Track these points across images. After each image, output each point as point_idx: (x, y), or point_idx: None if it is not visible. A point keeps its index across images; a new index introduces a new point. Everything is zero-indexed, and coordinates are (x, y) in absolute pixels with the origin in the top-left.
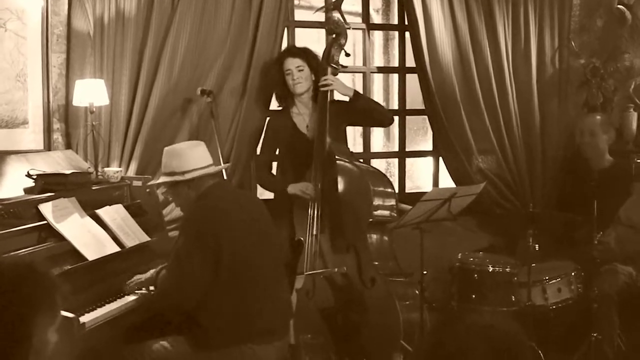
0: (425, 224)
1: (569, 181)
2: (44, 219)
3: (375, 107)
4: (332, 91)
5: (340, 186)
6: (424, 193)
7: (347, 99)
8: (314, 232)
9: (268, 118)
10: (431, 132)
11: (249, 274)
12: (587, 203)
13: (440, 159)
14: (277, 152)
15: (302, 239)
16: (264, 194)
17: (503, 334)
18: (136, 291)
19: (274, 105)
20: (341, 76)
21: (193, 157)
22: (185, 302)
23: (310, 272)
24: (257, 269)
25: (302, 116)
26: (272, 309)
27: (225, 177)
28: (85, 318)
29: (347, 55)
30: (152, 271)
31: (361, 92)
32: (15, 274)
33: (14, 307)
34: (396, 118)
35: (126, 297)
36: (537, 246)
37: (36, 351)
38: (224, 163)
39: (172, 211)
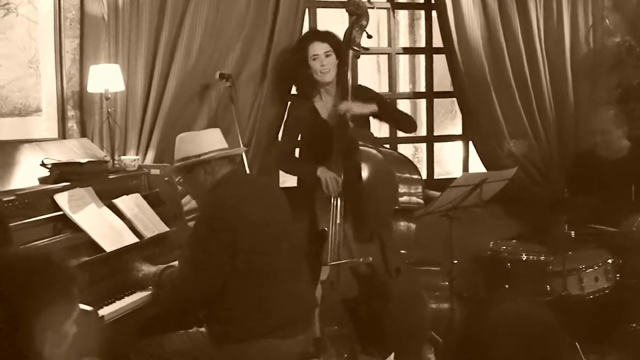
0: (454, 211)
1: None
2: (59, 209)
3: (399, 117)
4: (353, 77)
5: (364, 173)
6: (453, 179)
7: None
8: (338, 221)
9: (289, 103)
10: (460, 115)
11: (267, 266)
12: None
13: (470, 143)
14: (298, 139)
15: (325, 228)
16: (285, 182)
17: (537, 324)
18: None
19: (295, 89)
20: (364, 58)
21: (208, 140)
22: (199, 296)
23: (334, 263)
24: (275, 261)
25: (325, 102)
26: (292, 302)
27: (246, 165)
28: (103, 311)
29: (369, 37)
30: (154, 269)
31: (386, 74)
32: (32, 265)
33: (31, 299)
34: (423, 101)
35: (145, 290)
36: (572, 233)
37: (54, 344)
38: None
39: (191, 201)
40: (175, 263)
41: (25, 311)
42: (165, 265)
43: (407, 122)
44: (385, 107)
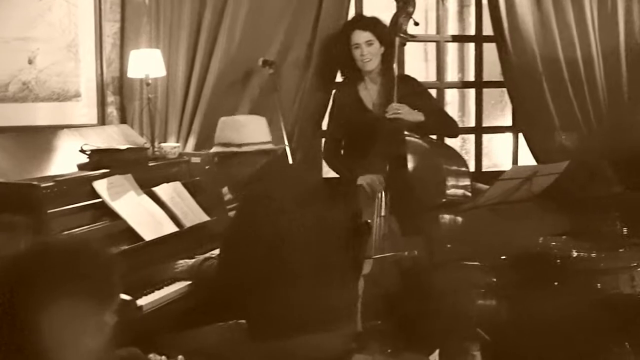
0: (502, 205)
1: None
2: (98, 196)
3: (444, 125)
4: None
5: (410, 164)
6: (502, 172)
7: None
8: (382, 214)
9: (334, 91)
10: (510, 106)
11: (307, 262)
12: None
13: (520, 135)
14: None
15: (369, 221)
16: (329, 171)
17: (585, 323)
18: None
19: (340, 77)
20: (411, 46)
21: (252, 130)
22: (236, 291)
23: (377, 256)
24: (315, 256)
25: (369, 91)
26: (334, 296)
27: (289, 153)
28: (142, 301)
29: (416, 24)
30: (193, 261)
31: (434, 63)
32: (74, 252)
33: (72, 287)
34: (472, 91)
35: (184, 280)
36: (625, 230)
37: (94, 333)
38: (287, 139)
39: None
40: (215, 253)
41: (66, 299)
42: (203, 257)
43: (450, 130)
44: (430, 118)
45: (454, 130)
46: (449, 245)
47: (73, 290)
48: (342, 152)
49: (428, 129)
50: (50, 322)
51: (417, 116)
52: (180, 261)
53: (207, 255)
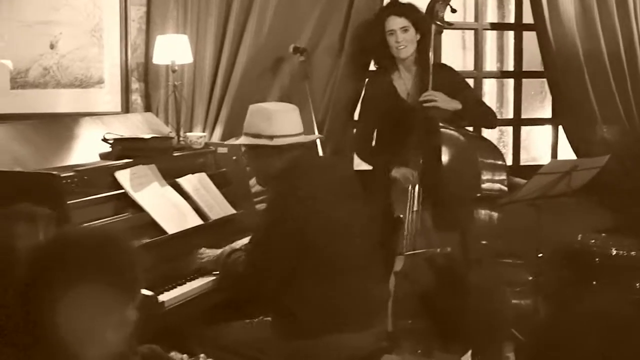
0: (541, 200)
1: None
2: (120, 187)
3: (481, 115)
4: (435, 53)
5: (445, 157)
6: (540, 166)
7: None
8: (415, 208)
9: (367, 80)
10: (550, 98)
11: (338, 258)
12: None
13: (560, 127)
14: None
15: (401, 216)
16: (361, 164)
17: (625, 324)
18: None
19: (373, 64)
20: (449, 33)
21: (284, 121)
22: (264, 288)
23: (410, 253)
24: (346, 253)
25: (404, 80)
26: (364, 295)
27: (319, 144)
28: (164, 296)
29: (453, 11)
30: (219, 251)
31: (472, 52)
32: (97, 244)
33: (95, 280)
34: (511, 81)
35: (207, 276)
36: None
37: (116, 328)
38: (317, 129)
39: None
40: (241, 244)
41: (87, 293)
42: (230, 249)
43: (487, 120)
44: (468, 106)
45: (492, 121)
46: (484, 242)
47: (95, 284)
48: (373, 143)
49: (465, 118)
50: (70, 315)
51: (454, 104)
52: (205, 249)
53: (234, 245)
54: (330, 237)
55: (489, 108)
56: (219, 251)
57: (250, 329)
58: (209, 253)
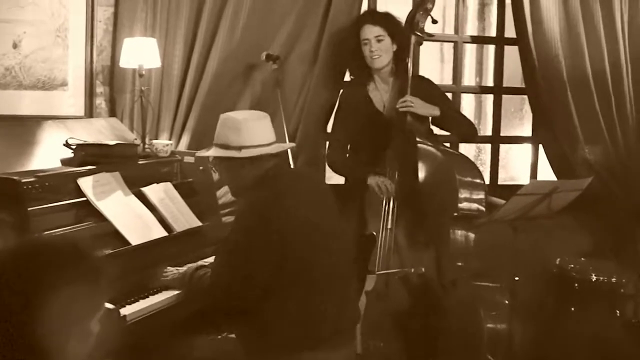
0: (519, 221)
1: None
2: (83, 195)
3: (461, 122)
4: (414, 65)
5: (421, 173)
6: (519, 185)
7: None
8: (389, 226)
9: (341, 91)
10: (530, 115)
11: (311, 273)
12: None
13: (540, 146)
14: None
15: (374, 232)
16: (332, 177)
17: (603, 352)
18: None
19: (349, 76)
20: (427, 45)
21: (254, 131)
22: (233, 304)
23: (382, 272)
24: (320, 267)
25: (380, 92)
26: (337, 313)
27: (290, 156)
28: (126, 310)
29: (434, 22)
30: (183, 269)
31: (450, 65)
32: (59, 253)
33: (57, 290)
34: (490, 97)
35: (172, 289)
36: None
37: (79, 340)
38: (289, 140)
39: (227, 193)
40: (208, 261)
41: (49, 303)
42: (195, 265)
43: (467, 131)
44: (447, 113)
45: (472, 133)
46: (459, 263)
47: (56, 295)
48: (347, 156)
49: (444, 129)
50: (31, 328)
51: (431, 110)
52: (170, 268)
53: (200, 263)
54: (303, 252)
55: (469, 120)
56: (183, 269)
57: (217, 344)
58: (173, 271)
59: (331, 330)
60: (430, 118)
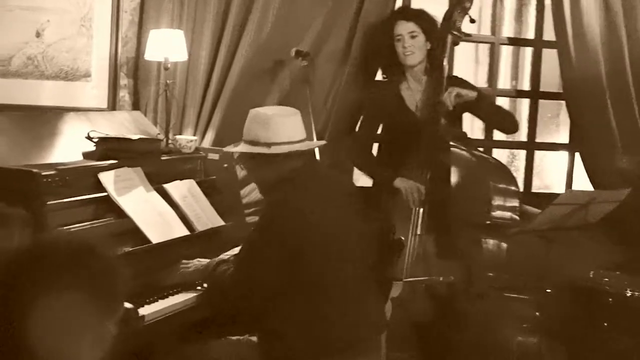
0: (552, 232)
1: None
2: (103, 189)
3: (500, 111)
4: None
5: (453, 179)
6: (553, 194)
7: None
8: (418, 232)
9: (372, 89)
10: (568, 122)
11: (331, 278)
12: None
13: (577, 154)
14: (379, 131)
15: (402, 238)
16: (359, 179)
17: None
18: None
19: (381, 75)
20: (462, 46)
21: (284, 127)
22: (251, 305)
23: (409, 279)
24: (341, 273)
25: (412, 91)
26: (359, 320)
27: (317, 156)
28: (144, 310)
29: (472, 21)
30: (206, 262)
31: (486, 67)
32: (76, 252)
33: (72, 292)
34: (526, 101)
35: (191, 291)
36: None
37: (93, 345)
38: (317, 139)
39: (252, 192)
40: (229, 254)
41: (64, 306)
42: (218, 259)
43: (508, 120)
44: (485, 99)
45: (512, 120)
46: (490, 274)
47: (73, 296)
48: (374, 157)
49: (482, 110)
50: (45, 332)
51: (470, 93)
52: (194, 260)
53: (223, 257)
54: (325, 255)
55: (509, 111)
56: (205, 261)
57: (233, 349)
58: (195, 263)
59: (351, 338)
60: (462, 120)
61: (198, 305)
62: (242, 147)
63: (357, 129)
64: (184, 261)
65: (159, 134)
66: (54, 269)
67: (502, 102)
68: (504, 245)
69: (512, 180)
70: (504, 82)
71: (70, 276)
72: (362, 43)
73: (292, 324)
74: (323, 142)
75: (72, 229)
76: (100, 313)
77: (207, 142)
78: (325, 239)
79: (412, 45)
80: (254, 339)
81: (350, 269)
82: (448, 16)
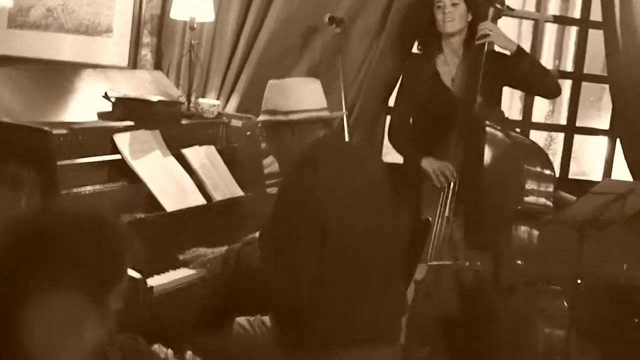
0: (588, 223)
1: None
2: (118, 152)
3: (541, 71)
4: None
5: (487, 160)
6: (590, 181)
7: (507, 52)
8: (446, 214)
9: (407, 62)
10: (610, 107)
11: (356, 264)
12: None
13: (618, 141)
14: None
15: (430, 219)
16: (388, 154)
17: None
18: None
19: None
20: (505, 21)
21: (303, 94)
22: (283, 289)
23: (434, 263)
24: (364, 257)
25: (449, 66)
26: (381, 307)
27: (346, 131)
28: (153, 281)
29: None
30: (216, 253)
31: (528, 44)
32: (79, 216)
33: (73, 262)
34: (568, 82)
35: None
36: None
37: (96, 317)
38: (347, 111)
39: (274, 162)
40: (252, 237)
41: (64, 276)
42: (227, 250)
43: (550, 82)
44: (526, 56)
45: (553, 83)
46: (519, 262)
47: (75, 265)
48: (408, 135)
49: (522, 65)
50: (46, 302)
51: (510, 44)
52: (201, 249)
53: (230, 248)
54: (347, 238)
55: (550, 71)
56: (203, 250)
57: (249, 337)
58: (201, 255)
59: (371, 326)
60: (501, 99)
61: (211, 288)
62: (261, 117)
63: (389, 104)
64: (197, 250)
65: (180, 96)
66: (55, 234)
67: None
68: (536, 233)
69: (549, 164)
70: (546, 61)
71: (70, 241)
72: (399, 11)
73: (316, 314)
74: (344, 113)
75: (82, 192)
76: (101, 287)
77: (230, 108)
78: (349, 221)
79: (452, 12)
80: (266, 318)
81: (376, 251)
82: None
